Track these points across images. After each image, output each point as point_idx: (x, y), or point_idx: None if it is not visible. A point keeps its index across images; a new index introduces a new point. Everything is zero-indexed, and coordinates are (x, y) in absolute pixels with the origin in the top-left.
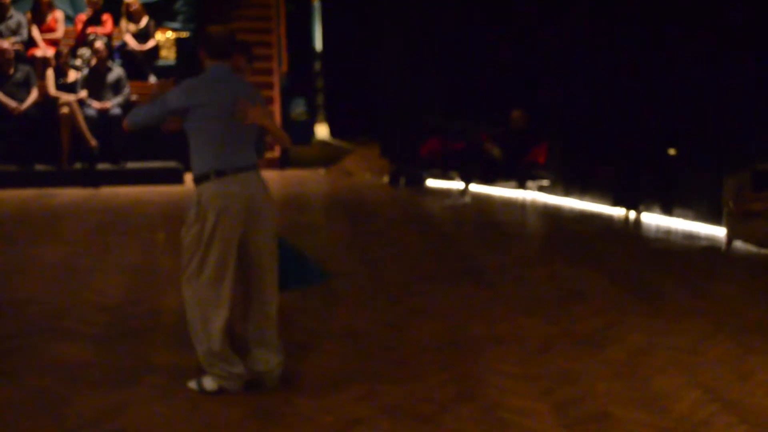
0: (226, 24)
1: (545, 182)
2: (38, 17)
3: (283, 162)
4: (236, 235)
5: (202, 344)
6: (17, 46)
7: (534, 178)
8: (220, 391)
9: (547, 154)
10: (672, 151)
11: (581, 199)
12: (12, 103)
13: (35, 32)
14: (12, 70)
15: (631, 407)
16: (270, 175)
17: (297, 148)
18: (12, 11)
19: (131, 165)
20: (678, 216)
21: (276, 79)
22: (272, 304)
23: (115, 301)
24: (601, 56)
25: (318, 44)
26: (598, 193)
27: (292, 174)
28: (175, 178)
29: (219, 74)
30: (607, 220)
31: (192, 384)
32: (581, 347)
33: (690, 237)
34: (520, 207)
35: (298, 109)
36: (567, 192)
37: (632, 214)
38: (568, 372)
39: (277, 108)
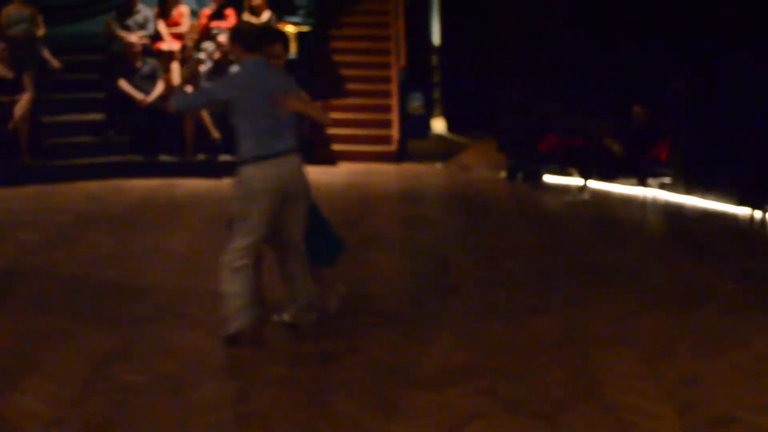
0: (346, 17)
1: (666, 180)
2: (164, 12)
3: (400, 156)
4: (273, 211)
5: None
6: (144, 40)
7: (655, 175)
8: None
9: (669, 151)
10: None
11: (704, 197)
12: (139, 95)
13: (161, 26)
14: (139, 64)
15: (758, 412)
16: (387, 169)
17: (414, 142)
18: (140, 6)
19: None
20: None
21: (394, 74)
22: (300, 268)
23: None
24: (725, 51)
25: (436, 38)
26: (721, 192)
27: (409, 168)
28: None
29: (254, 67)
30: (731, 220)
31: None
32: (704, 349)
33: None
34: (641, 204)
35: (415, 103)
36: (689, 190)
37: (758, 214)
38: (692, 374)
39: (394, 102)
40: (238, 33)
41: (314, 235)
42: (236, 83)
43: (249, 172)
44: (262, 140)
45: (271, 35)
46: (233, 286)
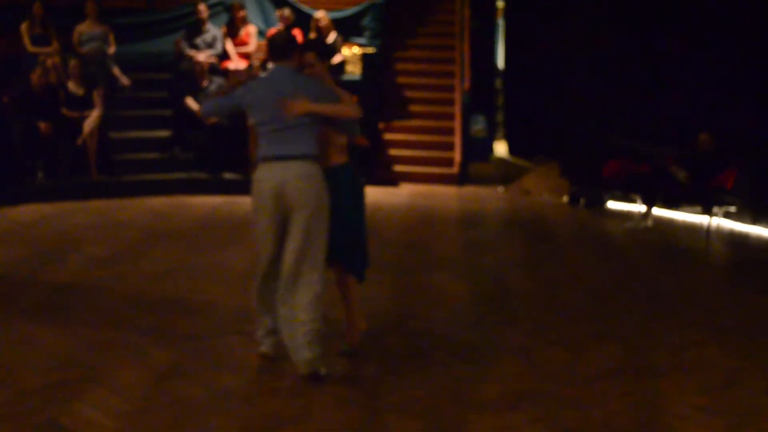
0: (412, 39)
1: (732, 208)
2: (232, 31)
3: (462, 179)
4: (275, 221)
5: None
6: (212, 59)
7: (720, 203)
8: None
9: (736, 179)
10: None
11: None
12: None
13: (229, 46)
14: (206, 82)
15: None
16: (448, 192)
17: (476, 165)
18: (208, 25)
19: None
20: None
21: (458, 96)
22: (303, 287)
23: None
24: None
25: (500, 62)
26: None
27: (470, 191)
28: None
29: (275, 74)
30: None
31: None
32: None
33: None
34: (705, 233)
35: (478, 126)
36: (755, 220)
37: None
38: (756, 408)
39: (457, 125)
40: (268, 43)
41: (353, 244)
42: (253, 88)
43: (255, 174)
44: (270, 143)
45: (300, 44)
46: (258, 309)
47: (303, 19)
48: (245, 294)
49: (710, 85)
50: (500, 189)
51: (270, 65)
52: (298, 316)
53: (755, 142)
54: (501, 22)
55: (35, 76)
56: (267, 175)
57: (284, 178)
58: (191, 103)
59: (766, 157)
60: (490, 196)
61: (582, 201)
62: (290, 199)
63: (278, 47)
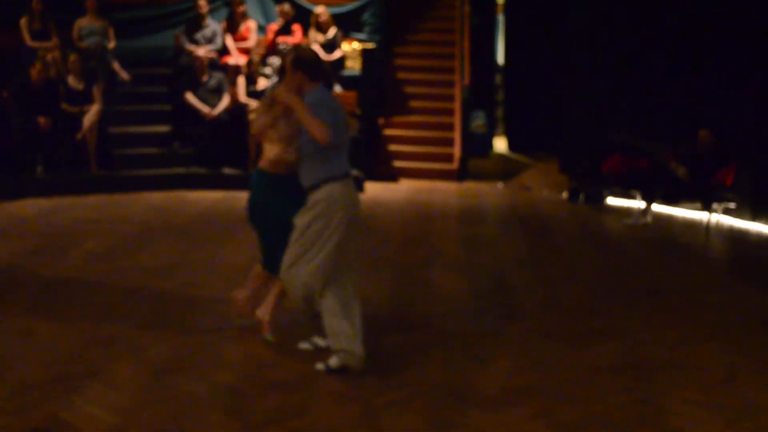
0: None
1: (731, 205)
2: (232, 26)
3: (461, 174)
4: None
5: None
6: (212, 54)
7: (720, 200)
8: (343, 370)
9: (735, 175)
10: None
11: None
12: (205, 109)
13: (229, 41)
14: (206, 77)
15: None
16: (448, 187)
17: (475, 160)
18: (208, 20)
19: None
20: None
21: (457, 92)
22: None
23: (297, 304)
24: None
25: (500, 58)
26: None
27: (470, 186)
28: (356, 186)
29: (328, 94)
30: None
31: (319, 366)
32: (767, 378)
33: None
34: (704, 229)
35: (478, 122)
36: (755, 216)
37: None
38: (755, 403)
39: (457, 120)
40: (313, 64)
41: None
42: (332, 108)
43: (332, 189)
44: (343, 161)
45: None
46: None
47: (303, 15)
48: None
49: (710, 82)
50: (500, 185)
51: (273, 60)
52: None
53: (755, 139)
54: (501, 18)
55: (35, 71)
56: (347, 190)
57: (353, 192)
58: (191, 98)
59: (766, 154)
60: (489, 192)
61: (581, 197)
62: (356, 212)
63: (323, 70)
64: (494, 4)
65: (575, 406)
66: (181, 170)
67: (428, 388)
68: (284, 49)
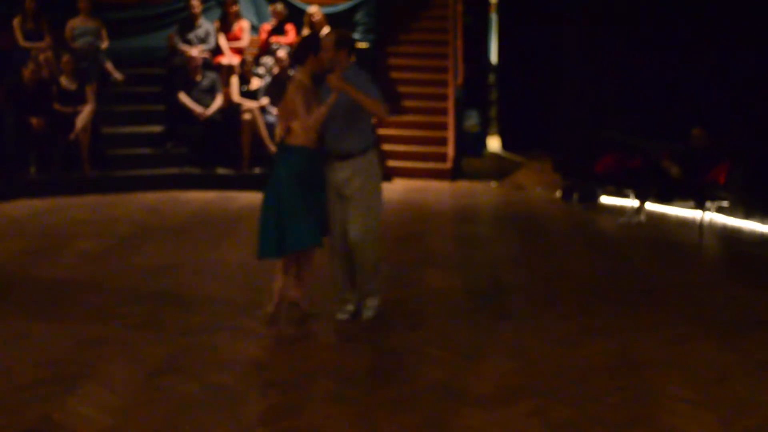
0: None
1: (725, 203)
2: (225, 26)
3: (455, 174)
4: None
5: None
6: (205, 54)
7: (713, 198)
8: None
9: (728, 174)
10: None
11: (763, 222)
12: (198, 109)
13: (222, 41)
14: (199, 77)
15: None
16: (441, 186)
17: (469, 160)
18: (201, 20)
19: None
20: None
21: (451, 91)
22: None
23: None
24: None
25: (493, 57)
26: None
27: (464, 186)
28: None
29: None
30: None
31: (369, 313)
32: (761, 376)
33: None
34: (698, 228)
35: (471, 121)
36: (748, 214)
37: None
38: (749, 402)
39: (450, 120)
40: (347, 39)
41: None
42: (371, 81)
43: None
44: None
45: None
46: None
47: (296, 15)
48: (239, 289)
49: (703, 80)
50: (493, 184)
51: (266, 60)
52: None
53: (748, 137)
54: (494, 17)
55: (27, 71)
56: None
57: None
58: (184, 98)
59: (759, 152)
60: (483, 191)
61: (575, 196)
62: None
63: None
64: (487, 4)
65: (569, 405)
66: (174, 170)
67: (422, 388)
68: (277, 48)
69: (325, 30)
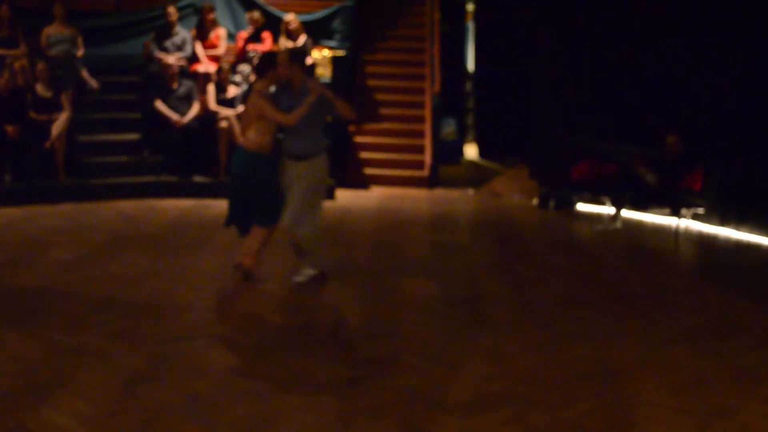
0: (382, 42)
1: (700, 210)
2: (202, 34)
3: (432, 181)
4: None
5: None
6: (182, 62)
7: (689, 205)
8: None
9: (703, 181)
10: None
11: (738, 229)
12: (174, 116)
13: (199, 48)
14: (175, 85)
15: None
16: (419, 194)
17: (446, 167)
18: (178, 28)
19: None
20: None
21: (427, 99)
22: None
23: (269, 312)
24: (761, 81)
25: (470, 65)
26: (756, 224)
27: (441, 193)
28: (327, 194)
29: None
30: (765, 252)
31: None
32: (737, 382)
33: None
34: (674, 234)
35: (448, 129)
36: (723, 221)
37: None
38: (724, 407)
39: (427, 128)
40: (300, 55)
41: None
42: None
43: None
44: None
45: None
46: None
47: (273, 22)
48: (216, 297)
49: (677, 86)
50: (470, 191)
51: (243, 68)
52: None
53: (722, 144)
54: (471, 26)
55: (2, 80)
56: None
57: None
58: (160, 106)
59: (734, 159)
60: (460, 199)
61: (552, 203)
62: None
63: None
64: (464, 12)
65: (546, 412)
66: (151, 178)
67: (400, 395)
68: (254, 56)
69: (302, 39)
